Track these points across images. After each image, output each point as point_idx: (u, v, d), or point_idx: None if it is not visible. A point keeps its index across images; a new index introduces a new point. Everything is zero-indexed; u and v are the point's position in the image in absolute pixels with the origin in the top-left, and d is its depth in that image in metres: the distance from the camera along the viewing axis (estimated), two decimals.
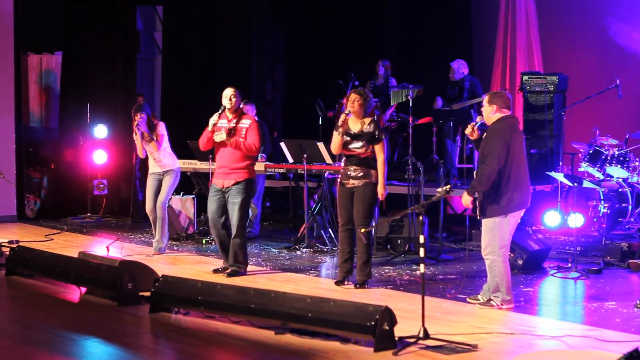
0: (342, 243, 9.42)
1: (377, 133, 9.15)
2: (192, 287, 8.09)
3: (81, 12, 15.30)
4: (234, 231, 9.78)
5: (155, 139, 11.12)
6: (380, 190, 9.15)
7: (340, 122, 9.23)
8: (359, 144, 9.16)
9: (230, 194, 9.77)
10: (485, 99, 8.33)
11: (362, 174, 9.17)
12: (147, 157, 11.36)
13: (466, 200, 8.24)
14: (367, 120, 9.23)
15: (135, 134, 11.23)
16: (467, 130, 8.36)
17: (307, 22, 16.43)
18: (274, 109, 17.23)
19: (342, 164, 9.41)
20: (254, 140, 9.73)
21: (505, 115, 8.26)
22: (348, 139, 9.22)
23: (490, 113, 8.26)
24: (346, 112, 9.30)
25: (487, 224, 8.22)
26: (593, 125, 12.67)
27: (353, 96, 9.29)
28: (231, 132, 9.75)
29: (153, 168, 11.32)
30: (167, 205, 11.38)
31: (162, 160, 11.24)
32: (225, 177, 9.79)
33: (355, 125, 9.25)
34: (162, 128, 11.27)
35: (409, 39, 15.52)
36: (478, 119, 8.46)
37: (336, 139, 9.26)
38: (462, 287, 9.10)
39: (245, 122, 9.83)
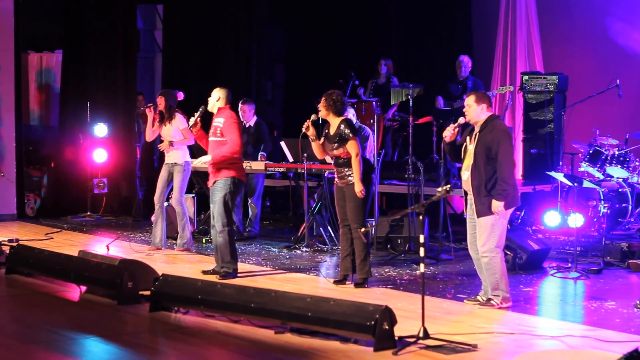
0: (341, 241, 9.53)
1: (345, 132, 9.14)
2: (192, 286, 8.09)
3: (81, 10, 15.28)
4: (216, 230, 9.73)
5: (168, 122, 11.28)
6: (357, 188, 9.11)
7: (304, 128, 9.27)
8: (335, 145, 9.19)
9: (212, 192, 9.80)
10: (472, 98, 8.36)
11: (349, 173, 9.18)
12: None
13: (499, 206, 8.12)
14: (339, 120, 9.25)
15: (149, 113, 11.40)
16: (447, 132, 8.36)
17: (307, 22, 16.42)
18: (274, 109, 17.23)
19: (333, 165, 9.46)
20: (232, 140, 9.71)
21: (493, 113, 8.38)
22: (327, 142, 9.28)
23: (480, 112, 8.32)
24: (312, 117, 9.36)
25: (487, 221, 8.22)
26: (593, 125, 12.67)
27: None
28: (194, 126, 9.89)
29: (166, 158, 11.41)
30: (183, 200, 11.40)
31: (175, 151, 11.28)
32: (210, 176, 9.86)
33: (331, 128, 9.30)
34: (183, 120, 11.27)
35: (409, 38, 15.52)
36: (460, 119, 8.48)
37: (313, 145, 9.35)
38: (459, 285, 9.10)
39: (219, 120, 9.82)
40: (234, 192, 9.78)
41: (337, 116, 9.24)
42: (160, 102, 11.32)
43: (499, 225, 8.21)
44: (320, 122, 9.45)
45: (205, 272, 9.87)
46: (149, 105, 11.50)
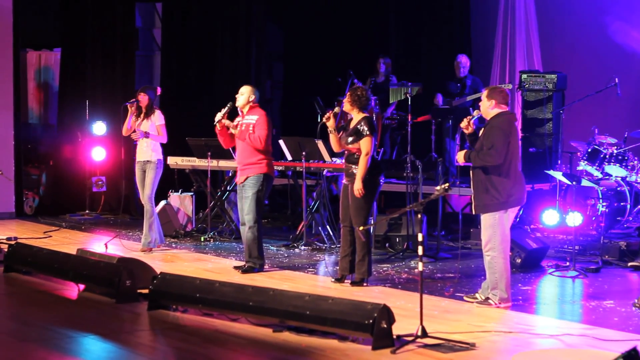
0: (341, 240, 9.53)
1: (362, 129, 9.16)
2: (190, 285, 8.09)
3: (80, 8, 15.30)
4: (246, 226, 9.91)
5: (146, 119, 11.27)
6: (357, 185, 9.11)
7: (325, 118, 9.30)
8: (350, 139, 9.22)
9: (243, 189, 9.92)
10: (484, 93, 8.39)
11: (356, 171, 9.18)
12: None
13: (460, 157, 8.32)
14: (361, 116, 9.28)
15: (130, 108, 11.39)
16: (463, 124, 8.40)
17: (306, 20, 16.42)
18: (273, 107, 17.22)
19: (344, 161, 9.47)
20: (260, 134, 9.81)
21: (504, 110, 8.31)
22: (344, 135, 9.31)
23: (488, 108, 8.31)
24: (335, 109, 9.38)
25: (487, 220, 8.22)
26: (592, 124, 12.67)
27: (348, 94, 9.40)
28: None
29: (137, 155, 11.39)
30: (153, 198, 11.35)
31: (148, 149, 11.26)
32: (240, 174, 9.97)
33: (352, 122, 9.34)
34: (161, 117, 11.27)
35: (408, 36, 15.52)
36: (475, 112, 8.50)
37: (330, 137, 9.37)
38: (457, 284, 9.10)
39: (252, 118, 9.92)
40: (265, 188, 9.96)
41: (361, 111, 9.29)
42: (144, 98, 11.32)
43: (500, 223, 8.17)
44: (319, 121, 9.45)
45: (236, 268, 10.06)
46: (132, 101, 11.48)
